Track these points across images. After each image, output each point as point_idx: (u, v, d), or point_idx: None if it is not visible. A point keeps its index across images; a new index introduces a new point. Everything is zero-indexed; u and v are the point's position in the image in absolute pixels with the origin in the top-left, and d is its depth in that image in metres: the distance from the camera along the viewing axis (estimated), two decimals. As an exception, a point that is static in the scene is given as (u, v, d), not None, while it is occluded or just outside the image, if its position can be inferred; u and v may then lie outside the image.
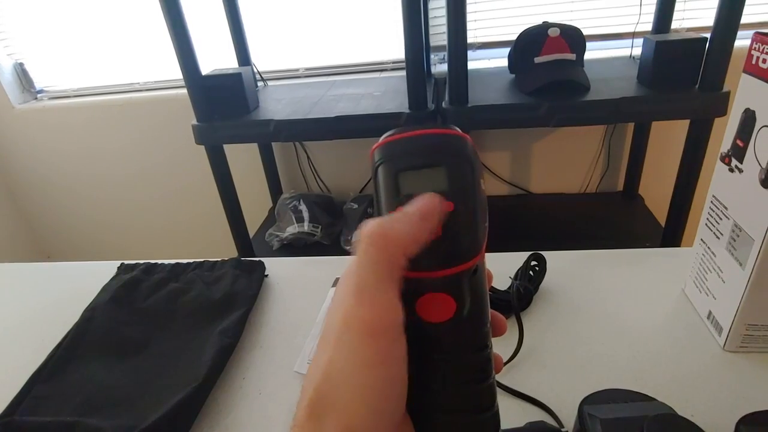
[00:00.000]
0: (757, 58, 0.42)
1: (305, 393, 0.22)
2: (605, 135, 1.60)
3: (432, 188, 0.22)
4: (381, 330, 0.20)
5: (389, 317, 0.21)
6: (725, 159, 0.47)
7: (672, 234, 1.26)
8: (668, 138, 1.52)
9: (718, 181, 0.49)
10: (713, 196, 0.50)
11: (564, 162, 1.66)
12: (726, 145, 0.47)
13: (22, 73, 1.83)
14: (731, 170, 0.46)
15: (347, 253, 1.37)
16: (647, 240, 1.36)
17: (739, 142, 0.45)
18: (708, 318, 0.52)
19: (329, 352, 0.21)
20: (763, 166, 0.41)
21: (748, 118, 0.44)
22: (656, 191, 1.57)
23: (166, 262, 0.69)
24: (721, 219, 0.48)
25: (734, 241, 0.46)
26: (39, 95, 1.87)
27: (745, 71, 0.44)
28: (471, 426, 0.23)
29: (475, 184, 0.23)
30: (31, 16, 1.72)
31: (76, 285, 0.70)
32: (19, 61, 1.82)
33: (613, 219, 1.50)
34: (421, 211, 0.22)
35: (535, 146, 1.65)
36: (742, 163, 0.45)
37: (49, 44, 1.76)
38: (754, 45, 0.43)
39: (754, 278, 0.44)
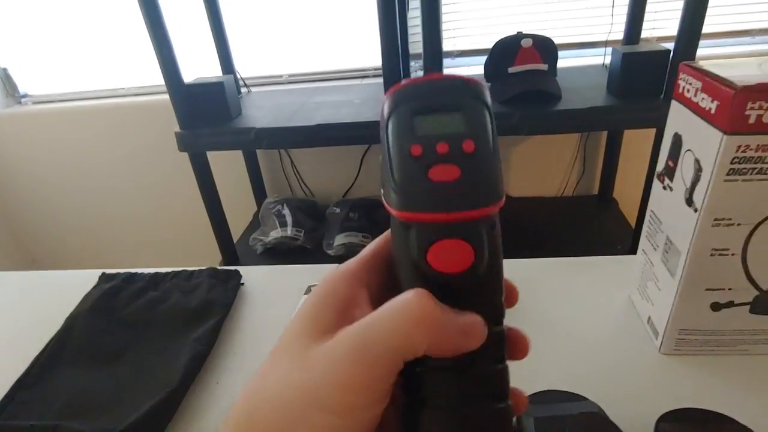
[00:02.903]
0: (683, 87, 0.46)
1: (242, 405, 0.22)
2: (581, 140, 1.64)
3: (452, 129, 0.21)
4: (366, 386, 0.20)
5: (379, 386, 0.20)
6: (660, 177, 0.52)
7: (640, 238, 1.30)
8: (639, 144, 1.57)
9: (654, 197, 0.53)
10: (651, 211, 0.54)
11: (542, 166, 1.71)
12: (661, 165, 0.51)
13: (5, 78, 1.84)
14: (665, 188, 0.51)
15: (329, 257, 1.40)
16: (619, 243, 1.41)
17: (670, 162, 0.49)
18: (648, 323, 0.56)
19: (281, 368, 0.22)
20: (687, 186, 0.45)
21: (677, 141, 0.48)
22: (629, 195, 1.62)
23: (146, 271, 0.72)
24: (657, 232, 0.53)
25: (667, 252, 0.50)
26: (23, 100, 1.88)
27: (674, 98, 0.48)
28: (487, 415, 0.21)
29: (494, 128, 0.23)
30: (14, 20, 1.73)
31: (58, 293, 0.72)
32: (2, 66, 1.82)
33: (587, 223, 1.55)
34: (467, 323, 0.21)
35: (514, 151, 1.69)
36: (672, 181, 0.49)
37: (33, 49, 1.77)
38: (681, 75, 0.47)
39: (683, 287, 0.48)
